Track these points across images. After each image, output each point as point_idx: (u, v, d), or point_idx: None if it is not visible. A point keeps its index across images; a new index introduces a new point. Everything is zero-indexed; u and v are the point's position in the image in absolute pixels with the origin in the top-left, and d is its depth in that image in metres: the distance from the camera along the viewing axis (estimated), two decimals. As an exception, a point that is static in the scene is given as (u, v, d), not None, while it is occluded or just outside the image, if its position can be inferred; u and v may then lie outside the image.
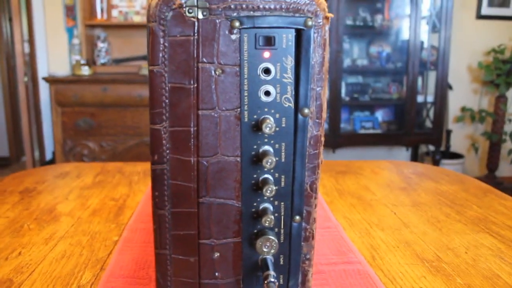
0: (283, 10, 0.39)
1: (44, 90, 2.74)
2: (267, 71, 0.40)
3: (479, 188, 0.99)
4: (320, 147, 0.42)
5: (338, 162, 1.21)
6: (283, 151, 0.42)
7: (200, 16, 0.38)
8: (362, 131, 3.03)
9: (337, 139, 2.92)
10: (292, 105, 0.41)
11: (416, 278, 0.59)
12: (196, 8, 0.38)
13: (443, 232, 0.75)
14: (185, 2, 0.38)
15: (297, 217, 0.44)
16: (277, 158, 0.42)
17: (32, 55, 2.87)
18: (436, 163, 2.95)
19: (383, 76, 3.14)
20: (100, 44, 2.80)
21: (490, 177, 3.14)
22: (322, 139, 0.42)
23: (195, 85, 0.40)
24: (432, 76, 3.02)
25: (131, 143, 2.30)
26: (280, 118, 0.41)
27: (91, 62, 2.72)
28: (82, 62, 2.54)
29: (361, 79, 3.12)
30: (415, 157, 3.24)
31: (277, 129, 0.41)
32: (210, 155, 0.41)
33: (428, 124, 3.07)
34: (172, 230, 0.43)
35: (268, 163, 0.40)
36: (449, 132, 3.16)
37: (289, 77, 0.40)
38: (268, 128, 0.39)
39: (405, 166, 1.17)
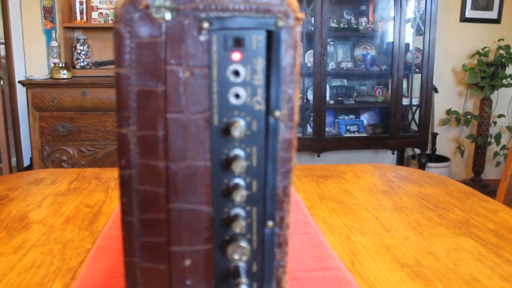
0: (253, 10, 0.38)
1: (21, 94, 2.69)
2: (236, 73, 0.39)
3: (462, 191, 0.99)
4: (293, 151, 0.41)
5: (320, 166, 1.20)
6: (254, 155, 0.40)
7: (168, 17, 0.37)
8: (347, 135, 3.04)
9: (322, 143, 2.92)
10: (263, 107, 0.40)
11: (396, 284, 0.58)
12: (163, 9, 0.37)
13: (424, 236, 0.74)
14: (152, 3, 0.37)
15: (270, 223, 0.42)
16: (248, 162, 0.40)
17: (8, 58, 2.81)
18: (422, 166, 2.97)
19: (368, 79, 3.16)
20: (80, 47, 2.76)
21: (476, 180, 3.17)
22: (295, 142, 0.41)
23: (163, 88, 0.38)
24: (417, 79, 3.05)
25: (112, 148, 2.26)
26: (250, 121, 0.40)
27: (70, 65, 2.67)
28: (61, 65, 2.50)
29: (346, 82, 3.13)
30: (401, 161, 3.26)
31: (248, 132, 0.40)
32: (179, 159, 0.40)
33: (414, 127, 3.09)
34: (142, 237, 0.41)
35: (238, 168, 0.38)
36: (434, 135, 3.18)
37: (260, 79, 0.39)
38: (237, 132, 0.38)
39: (388, 170, 1.17)
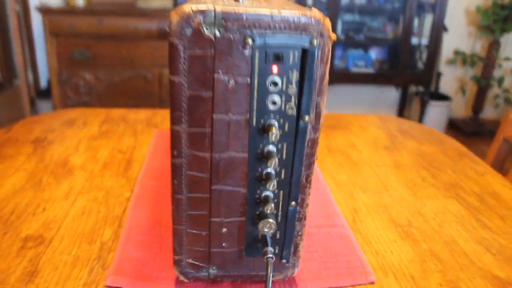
0: (292, 29, 0.44)
1: (36, 21, 2.67)
2: (274, 83, 0.45)
3: (456, 150, 1.07)
4: (316, 147, 0.49)
5: (330, 115, 1.28)
6: (284, 150, 0.49)
7: (217, 34, 0.43)
8: (355, 69, 3.06)
9: (330, 76, 2.95)
10: (294, 113, 0.47)
11: (389, 242, 0.69)
12: (213, 27, 0.43)
13: (417, 196, 0.85)
14: (204, 21, 0.42)
15: (293, 203, 0.51)
16: (278, 156, 0.49)
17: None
18: (424, 103, 3.03)
19: (380, 15, 3.10)
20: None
21: (474, 119, 3.26)
22: (318, 141, 0.49)
23: (211, 94, 0.45)
24: (428, 19, 2.99)
25: (127, 75, 2.31)
26: (283, 123, 0.47)
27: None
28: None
29: (357, 18, 3.08)
30: (404, 97, 3.31)
31: (281, 132, 0.48)
32: (222, 151, 0.48)
33: (420, 65, 3.10)
34: (187, 211, 0.51)
35: (273, 164, 0.47)
36: (439, 74, 3.21)
37: (294, 88, 0.46)
38: (273, 136, 0.46)
39: (392, 123, 1.24)
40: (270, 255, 0.50)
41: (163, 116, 1.14)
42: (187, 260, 0.54)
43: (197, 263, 0.54)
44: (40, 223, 0.67)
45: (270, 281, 0.49)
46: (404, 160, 1.00)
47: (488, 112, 3.42)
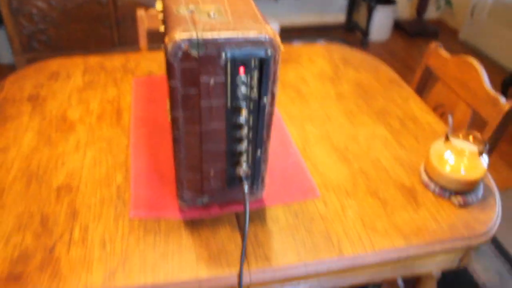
0: (252, 45, 0.62)
1: None
2: (242, 80, 0.64)
3: (388, 77, 1.30)
4: (273, 115, 0.70)
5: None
6: (251, 121, 0.69)
7: (200, 52, 0.61)
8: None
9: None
10: (256, 96, 0.67)
11: (331, 165, 0.94)
12: (197, 48, 0.60)
13: (353, 124, 1.09)
14: (190, 45, 0.60)
15: (258, 153, 0.74)
16: (248, 124, 0.69)
17: None
18: (371, 8, 3.17)
19: None
20: None
21: (418, 20, 3.46)
22: (274, 111, 0.70)
23: (198, 91, 0.64)
24: None
25: (81, 1, 2.30)
26: (250, 103, 0.67)
27: None
28: None
29: None
30: (352, 2, 3.42)
31: (248, 109, 0.68)
32: (207, 124, 0.68)
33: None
34: (185, 163, 0.72)
35: (243, 130, 0.68)
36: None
37: (255, 82, 0.65)
38: (243, 115, 0.66)
39: (336, 52, 1.44)
40: (246, 188, 0.73)
41: (136, 61, 1.28)
42: (187, 194, 0.77)
43: (194, 195, 0.77)
44: (64, 175, 0.86)
45: (247, 203, 0.72)
46: (344, 91, 1.22)
47: (431, 13, 3.62)
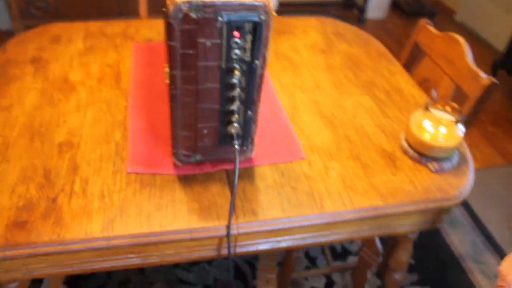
0: (247, 9, 0.66)
1: None
2: (236, 42, 0.69)
3: (378, 52, 1.35)
4: (263, 77, 0.75)
5: (278, 20, 1.48)
6: (243, 81, 0.74)
7: (199, 15, 0.65)
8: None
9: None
10: (249, 59, 0.72)
11: (316, 130, 1.00)
12: (196, 11, 0.65)
13: (341, 93, 1.14)
14: (190, 8, 0.64)
15: (249, 112, 0.79)
16: (240, 85, 0.75)
17: None
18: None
19: None
20: None
21: (416, 1, 3.48)
22: (264, 74, 0.75)
23: (196, 52, 0.69)
24: None
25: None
26: (242, 66, 0.72)
27: None
28: None
29: None
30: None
31: (241, 70, 0.73)
32: (203, 83, 0.73)
33: None
34: (181, 122, 0.77)
35: (235, 91, 0.73)
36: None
37: (249, 45, 0.70)
38: (236, 75, 0.71)
39: (329, 25, 1.48)
40: (237, 147, 0.79)
41: (136, 28, 1.31)
42: (181, 151, 0.82)
43: (188, 153, 0.83)
44: (66, 132, 0.91)
45: (238, 159, 0.78)
46: (335, 62, 1.27)
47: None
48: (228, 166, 0.87)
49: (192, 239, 0.75)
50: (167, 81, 0.74)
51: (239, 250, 0.81)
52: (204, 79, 0.72)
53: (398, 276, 1.16)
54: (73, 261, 0.75)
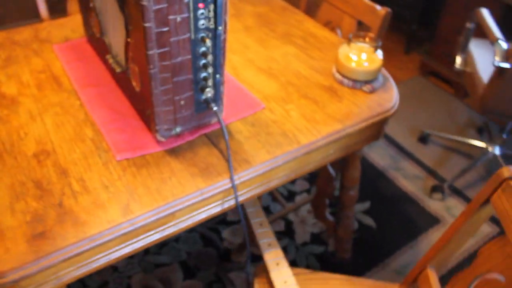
0: (206, -21, 0.73)
1: None
2: (202, 14, 0.76)
3: (281, 7, 1.48)
4: (226, 43, 0.83)
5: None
6: (211, 47, 0.82)
7: (166, -9, 0.71)
8: None
9: None
10: (213, 26, 0.79)
11: (262, 82, 1.11)
12: (164, -12, 0.70)
13: (267, 48, 1.26)
14: (158, -14, 0.69)
15: (218, 76, 0.87)
16: (209, 52, 0.82)
17: None
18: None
19: None
20: None
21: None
22: (226, 38, 0.83)
23: (168, 28, 0.74)
24: None
25: None
26: (208, 33, 0.80)
27: None
28: None
29: None
30: None
31: (209, 38, 0.80)
32: (176, 57, 0.79)
33: None
34: (161, 98, 0.83)
35: (207, 59, 0.80)
36: None
37: (212, 13, 0.78)
38: (207, 46, 0.78)
39: (229, -8, 1.56)
40: (215, 108, 0.87)
41: (46, 30, 1.26)
42: (163, 127, 0.88)
43: (169, 127, 0.89)
44: (34, 143, 0.90)
45: (222, 119, 0.86)
46: (249, 23, 1.38)
47: None
48: (204, 131, 0.94)
49: (203, 200, 0.83)
50: (118, 70, 0.78)
51: (240, 199, 0.91)
52: (177, 53, 0.78)
53: (353, 192, 1.36)
54: (99, 255, 0.78)
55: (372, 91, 1.10)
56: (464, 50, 1.74)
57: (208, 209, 0.87)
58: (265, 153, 0.91)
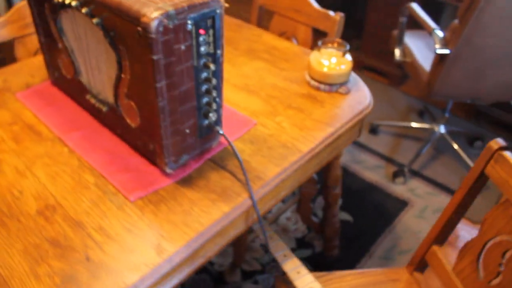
0: (206, 6, 0.74)
1: None
2: (203, 40, 0.77)
3: (236, 24, 1.51)
4: (223, 64, 0.84)
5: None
6: (211, 72, 0.82)
7: (174, 23, 0.70)
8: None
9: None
10: (213, 50, 0.80)
11: (246, 100, 1.13)
12: (172, 21, 0.70)
13: (236, 66, 1.28)
14: (167, 20, 0.69)
15: (217, 99, 0.87)
16: (211, 77, 0.82)
17: None
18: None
19: None
20: None
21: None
22: (223, 59, 0.84)
23: (174, 58, 0.74)
24: None
25: None
26: (208, 57, 0.80)
27: None
28: None
29: None
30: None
31: (211, 63, 0.81)
32: (181, 86, 0.79)
33: None
34: (170, 130, 0.81)
35: (211, 84, 0.81)
36: None
37: (211, 39, 0.78)
38: (211, 72, 0.79)
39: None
40: (221, 131, 0.87)
41: (2, 79, 1.18)
42: (171, 158, 0.86)
43: (176, 158, 0.87)
44: (33, 200, 0.84)
45: (232, 142, 0.86)
46: (210, 44, 1.39)
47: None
48: (208, 155, 0.94)
49: (230, 222, 0.83)
50: (104, 109, 0.77)
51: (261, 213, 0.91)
52: (182, 81, 0.78)
53: (336, 190, 1.41)
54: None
55: (348, 92, 1.17)
56: (401, 42, 1.88)
57: (234, 229, 0.86)
58: (274, 166, 0.92)
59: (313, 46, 1.44)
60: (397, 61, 1.90)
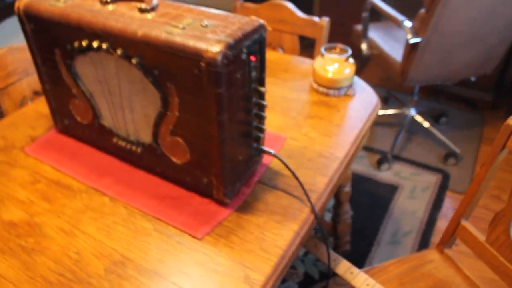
0: (255, 33, 0.74)
1: None
2: (254, 66, 0.77)
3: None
4: (264, 86, 0.85)
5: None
6: (260, 95, 0.82)
7: (234, 54, 0.70)
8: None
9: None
10: (260, 75, 0.80)
11: (269, 118, 1.13)
12: (232, 50, 0.69)
13: (240, 84, 1.27)
14: (229, 51, 0.68)
15: (262, 121, 0.88)
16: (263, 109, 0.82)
17: None
18: None
19: None
20: None
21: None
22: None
23: (233, 90, 0.73)
24: None
25: None
26: (257, 82, 0.80)
27: None
28: None
29: None
30: None
31: (260, 87, 0.81)
32: (237, 114, 0.78)
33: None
34: (227, 157, 0.80)
35: (263, 108, 0.81)
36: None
37: (259, 63, 0.79)
38: (263, 95, 0.79)
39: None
40: (272, 151, 0.87)
41: (4, 137, 1.09)
42: (229, 187, 0.85)
43: (232, 186, 0.86)
44: (95, 258, 0.79)
45: (285, 161, 0.86)
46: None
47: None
48: (256, 178, 0.94)
49: (301, 239, 0.83)
50: (139, 149, 0.75)
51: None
52: (238, 110, 0.78)
53: (347, 188, 1.46)
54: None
55: (354, 94, 1.21)
56: (366, 36, 1.97)
57: (302, 244, 0.87)
58: (321, 177, 0.94)
59: (301, 53, 1.47)
60: (365, 55, 1.99)
